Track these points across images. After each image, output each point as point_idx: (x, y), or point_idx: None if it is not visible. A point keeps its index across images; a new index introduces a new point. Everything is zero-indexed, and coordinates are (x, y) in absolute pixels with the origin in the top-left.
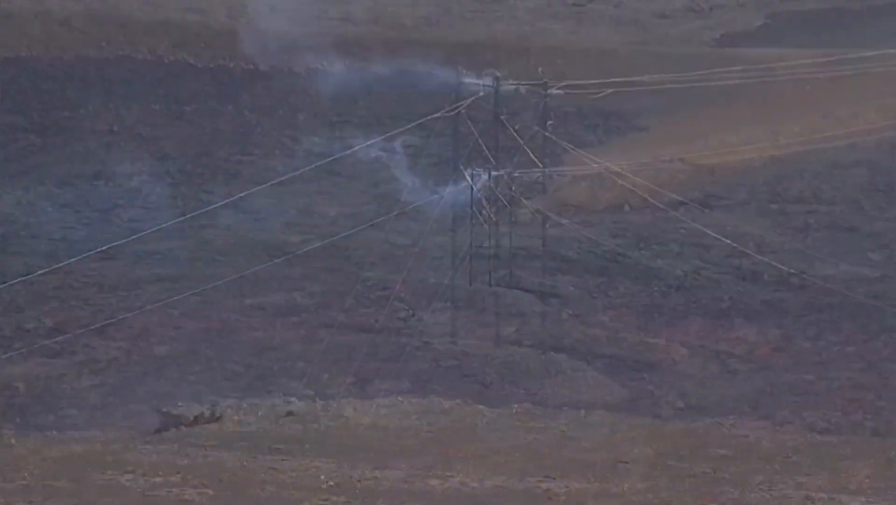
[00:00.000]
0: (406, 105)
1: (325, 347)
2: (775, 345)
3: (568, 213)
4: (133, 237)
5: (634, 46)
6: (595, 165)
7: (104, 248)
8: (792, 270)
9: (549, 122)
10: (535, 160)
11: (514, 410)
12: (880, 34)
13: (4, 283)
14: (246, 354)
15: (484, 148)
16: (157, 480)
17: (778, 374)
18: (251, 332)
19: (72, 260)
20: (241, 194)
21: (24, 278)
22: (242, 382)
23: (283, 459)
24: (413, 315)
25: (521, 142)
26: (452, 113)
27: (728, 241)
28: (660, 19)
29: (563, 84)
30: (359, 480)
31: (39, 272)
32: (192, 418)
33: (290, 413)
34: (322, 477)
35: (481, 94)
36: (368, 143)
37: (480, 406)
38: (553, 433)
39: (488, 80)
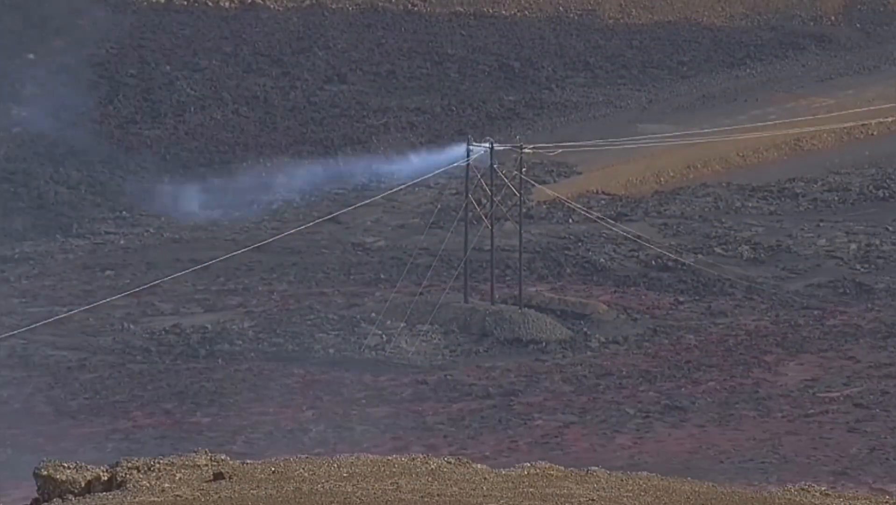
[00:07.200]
0: (433, 160)
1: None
2: (664, 303)
3: (534, 224)
4: None
5: (579, 124)
6: (551, 194)
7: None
8: (670, 256)
9: (523, 169)
10: (514, 191)
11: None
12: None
13: None
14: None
15: (483, 185)
16: None
17: (662, 319)
18: None
19: None
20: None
21: None
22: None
23: None
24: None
25: (507, 180)
26: (464, 163)
27: (632, 240)
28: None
29: (532, 146)
30: None
31: None
32: (83, 484)
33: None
34: None
35: (482, 152)
36: (412, 182)
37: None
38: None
39: (486, 144)
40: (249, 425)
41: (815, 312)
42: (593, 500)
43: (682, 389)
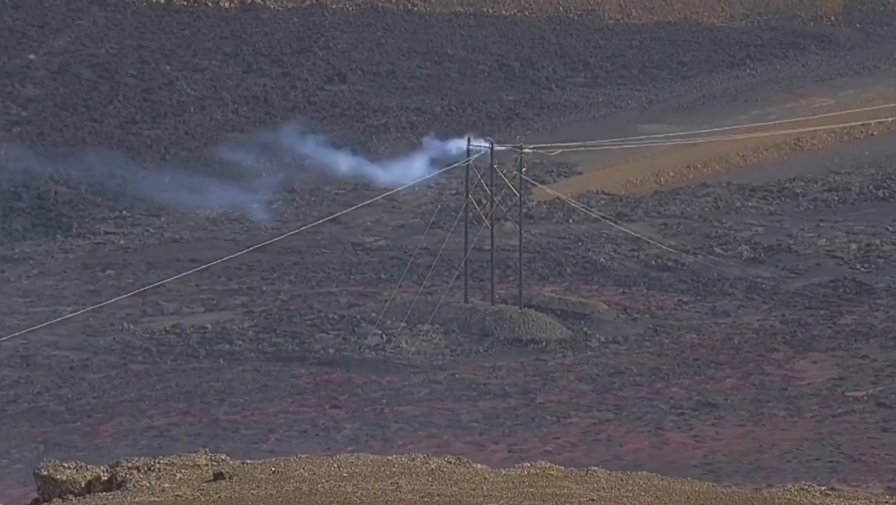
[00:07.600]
0: (435, 160)
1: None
2: (667, 304)
3: (535, 224)
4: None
5: (579, 124)
6: (551, 194)
7: None
8: (671, 256)
9: (523, 169)
10: (515, 191)
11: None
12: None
13: None
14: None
15: (484, 185)
16: None
17: (663, 319)
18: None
19: None
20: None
21: None
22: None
23: None
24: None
25: (507, 180)
26: (465, 164)
27: (633, 240)
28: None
29: (532, 146)
30: None
31: None
32: (83, 484)
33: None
34: None
35: (482, 152)
36: (413, 182)
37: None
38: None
39: (486, 144)
40: (285, 424)
41: (822, 312)
42: (593, 500)
43: (706, 386)
